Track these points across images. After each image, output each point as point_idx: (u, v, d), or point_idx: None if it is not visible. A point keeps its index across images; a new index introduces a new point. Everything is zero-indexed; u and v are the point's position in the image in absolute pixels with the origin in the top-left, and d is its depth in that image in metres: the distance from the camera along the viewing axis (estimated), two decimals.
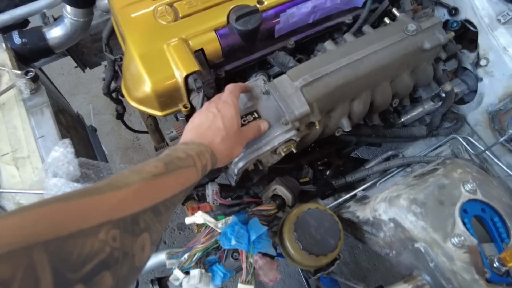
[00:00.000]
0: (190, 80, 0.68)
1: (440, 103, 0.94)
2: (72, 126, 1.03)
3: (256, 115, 0.63)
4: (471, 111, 0.96)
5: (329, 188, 0.88)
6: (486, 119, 0.92)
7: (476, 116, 0.95)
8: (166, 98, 0.72)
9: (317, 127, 0.68)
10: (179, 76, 0.69)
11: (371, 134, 1.00)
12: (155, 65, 0.71)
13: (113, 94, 1.16)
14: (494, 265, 0.52)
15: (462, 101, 0.99)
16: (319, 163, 1.10)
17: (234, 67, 0.79)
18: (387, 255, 0.63)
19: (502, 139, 0.86)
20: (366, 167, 0.91)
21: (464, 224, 0.56)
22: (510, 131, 0.86)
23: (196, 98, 0.71)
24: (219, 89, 0.80)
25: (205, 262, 0.62)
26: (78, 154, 0.81)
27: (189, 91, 0.73)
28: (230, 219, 0.59)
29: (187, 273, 0.60)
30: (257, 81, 0.67)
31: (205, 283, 0.60)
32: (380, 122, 1.03)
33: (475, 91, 0.94)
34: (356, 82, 0.68)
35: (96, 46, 1.27)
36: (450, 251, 0.53)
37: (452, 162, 0.63)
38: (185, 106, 0.73)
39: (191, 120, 0.59)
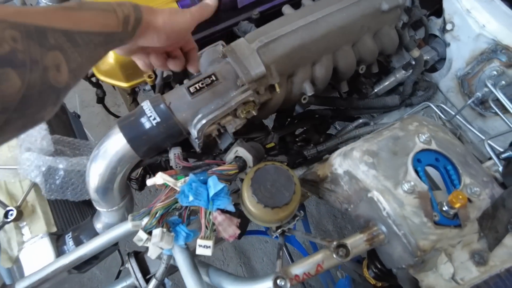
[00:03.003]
0: None
1: (411, 71, 0.95)
2: None
3: (214, 78, 0.65)
4: (442, 78, 0.96)
5: (300, 156, 0.89)
6: (457, 84, 0.93)
7: (447, 83, 0.96)
8: (130, 68, 0.73)
9: (277, 90, 0.69)
10: None
11: (346, 106, 1.01)
12: None
13: (93, 79, 1.18)
14: (444, 208, 0.53)
15: (434, 69, 1.00)
16: (297, 139, 1.12)
17: (199, 38, 0.80)
18: (347, 210, 0.64)
19: (469, 101, 0.86)
20: (337, 136, 0.91)
21: (417, 172, 0.56)
22: (477, 94, 0.86)
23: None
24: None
25: (169, 223, 0.63)
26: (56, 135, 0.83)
27: None
28: (188, 178, 0.60)
29: (150, 233, 0.62)
30: (216, 47, 0.69)
31: (167, 242, 0.61)
32: (355, 94, 1.04)
33: (445, 58, 0.95)
34: (314, 44, 0.69)
35: None
36: (401, 197, 0.54)
37: (410, 117, 0.64)
38: (149, 76, 0.75)
39: None
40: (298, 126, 1.04)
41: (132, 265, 0.83)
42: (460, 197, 0.50)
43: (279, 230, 0.64)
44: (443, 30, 0.90)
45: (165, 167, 0.75)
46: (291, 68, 0.71)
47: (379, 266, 0.74)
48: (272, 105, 0.74)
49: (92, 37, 0.42)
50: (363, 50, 0.79)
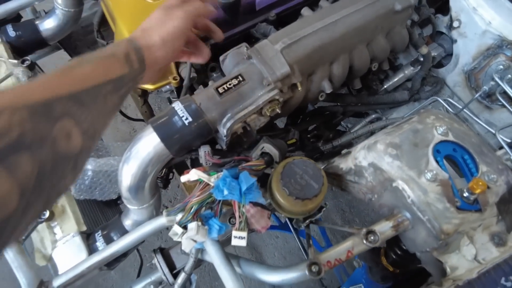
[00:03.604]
0: None
1: (419, 67, 0.99)
2: None
3: (241, 79, 0.68)
4: (449, 73, 1.00)
5: (316, 152, 0.92)
6: (463, 79, 0.97)
7: (454, 78, 1.00)
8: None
9: (299, 89, 0.72)
10: None
11: (357, 102, 1.05)
12: None
13: None
14: (464, 194, 0.57)
15: (440, 64, 1.04)
16: (309, 135, 1.15)
17: None
18: (370, 200, 0.68)
19: (477, 95, 0.90)
20: (352, 131, 0.95)
21: (437, 162, 0.60)
22: (484, 87, 0.90)
23: (185, 69, 0.75)
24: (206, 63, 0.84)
25: (202, 217, 0.66)
26: None
27: (177, 64, 0.77)
28: (222, 173, 0.63)
29: (185, 227, 0.65)
30: (240, 48, 0.72)
31: (202, 235, 0.64)
32: (364, 91, 1.08)
33: (452, 54, 0.99)
34: (333, 44, 0.73)
35: (89, 39, 1.32)
36: (424, 185, 0.58)
37: (426, 111, 0.68)
38: (174, 78, 0.78)
39: None
40: (311, 123, 1.07)
41: (159, 261, 0.86)
42: (480, 183, 0.54)
43: (307, 221, 0.68)
44: (450, 27, 0.94)
45: (187, 166, 0.78)
46: (311, 68, 0.74)
47: (398, 252, 0.78)
48: (293, 103, 0.78)
49: (99, 90, 0.42)
50: (377, 49, 0.83)
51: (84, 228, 0.81)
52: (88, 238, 0.82)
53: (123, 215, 0.83)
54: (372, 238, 0.58)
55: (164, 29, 0.57)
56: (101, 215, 0.90)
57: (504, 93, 0.86)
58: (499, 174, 0.60)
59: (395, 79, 1.04)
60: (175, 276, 0.83)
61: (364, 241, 0.58)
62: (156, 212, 0.82)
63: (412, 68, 1.01)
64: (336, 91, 0.87)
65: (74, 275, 0.72)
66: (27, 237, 0.76)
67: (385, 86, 1.04)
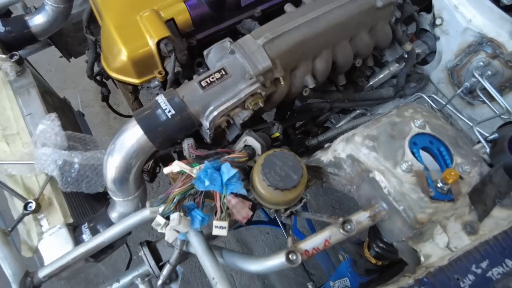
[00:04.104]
0: (162, 45, 0.74)
1: (404, 63, 1.01)
2: (59, 107, 1.08)
3: (224, 72, 0.69)
4: (433, 70, 1.02)
5: (301, 146, 0.94)
6: (447, 75, 0.99)
7: (438, 74, 1.02)
8: (141, 65, 0.77)
9: (282, 83, 0.74)
10: (152, 43, 0.75)
11: (343, 98, 1.06)
12: (130, 35, 0.76)
13: (98, 78, 1.21)
14: (438, 185, 0.58)
15: (425, 61, 1.06)
16: (297, 132, 1.17)
17: (205, 35, 0.85)
18: (350, 192, 0.69)
19: (459, 91, 0.92)
20: (336, 126, 0.97)
21: (413, 153, 0.62)
22: (466, 84, 0.92)
23: (170, 64, 0.77)
24: (192, 57, 0.86)
25: (184, 208, 0.67)
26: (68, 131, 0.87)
27: (162, 58, 0.78)
28: (204, 165, 0.64)
29: (168, 218, 0.66)
30: (224, 43, 0.73)
31: (184, 225, 0.66)
32: (351, 87, 1.10)
33: (436, 51, 1.01)
34: (315, 39, 0.74)
35: (80, 35, 1.32)
36: (400, 175, 0.59)
37: (405, 105, 0.69)
38: (159, 73, 0.79)
39: None
40: (298, 119, 1.09)
41: (145, 253, 0.87)
42: (453, 173, 0.56)
43: (288, 212, 0.69)
44: (433, 24, 0.96)
45: (173, 159, 0.79)
46: (294, 62, 0.76)
47: (380, 245, 0.80)
48: (276, 98, 0.79)
49: None
50: (360, 45, 0.84)
51: (71, 221, 0.81)
52: (74, 230, 0.83)
53: (109, 208, 0.84)
54: (348, 227, 0.59)
55: None
56: (89, 208, 0.91)
57: (484, 89, 0.87)
58: (473, 165, 0.62)
59: (381, 76, 1.05)
60: (161, 268, 0.84)
61: (341, 230, 0.59)
62: (142, 204, 0.83)
63: (397, 64, 1.03)
64: (319, 86, 0.89)
65: (59, 266, 0.73)
66: (13, 229, 0.77)
67: (371, 83, 1.06)
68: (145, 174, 0.90)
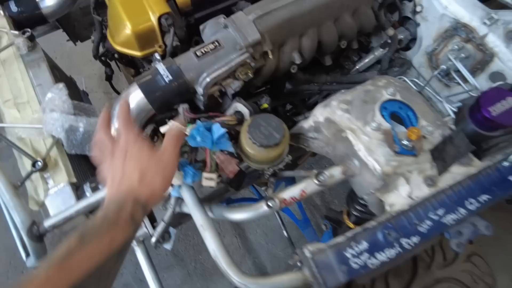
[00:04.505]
0: (163, 20, 0.82)
1: (387, 48, 1.08)
2: (66, 82, 1.16)
3: (217, 44, 0.77)
4: (415, 55, 1.10)
5: (290, 121, 1.01)
6: (426, 60, 1.06)
7: (418, 59, 1.09)
8: (144, 38, 0.85)
9: (270, 56, 0.81)
10: (153, 18, 0.83)
11: (331, 81, 1.14)
12: (133, 10, 0.84)
13: (102, 58, 1.29)
14: (403, 142, 0.65)
15: (408, 48, 1.13)
16: (288, 114, 1.24)
17: (202, 15, 0.92)
18: (327, 154, 0.76)
19: (435, 73, 1.00)
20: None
21: (383, 116, 0.69)
22: (442, 66, 1.00)
23: (169, 38, 0.84)
24: (190, 35, 0.93)
25: (179, 164, 0.75)
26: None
27: (163, 33, 0.86)
28: (196, 124, 0.72)
29: None
30: (218, 19, 0.81)
31: (178, 178, 0.73)
32: (338, 71, 1.17)
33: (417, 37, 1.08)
34: (301, 17, 0.82)
35: (86, 20, 1.40)
36: (369, 133, 0.66)
37: (380, 76, 0.77)
38: (160, 46, 0.87)
39: (107, 177, 0.58)
40: (288, 99, 1.16)
41: None
42: (415, 131, 0.63)
43: (271, 170, 0.76)
44: (414, 12, 1.04)
45: None
46: (281, 38, 0.83)
47: (358, 208, 0.87)
48: (266, 71, 0.86)
49: (102, 269, 0.42)
50: (344, 26, 0.92)
51: (74, 180, 0.89)
52: (77, 190, 0.90)
53: None
54: (321, 178, 0.67)
55: (162, 176, 0.57)
56: (92, 172, 0.98)
57: (458, 71, 0.95)
58: (436, 128, 0.69)
59: (366, 60, 1.13)
60: (156, 228, 0.92)
61: (315, 181, 0.67)
62: None
63: (381, 49, 1.10)
64: (308, 69, 0.96)
65: (63, 217, 0.80)
66: (22, 184, 0.84)
67: (357, 67, 1.14)
68: None
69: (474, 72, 0.96)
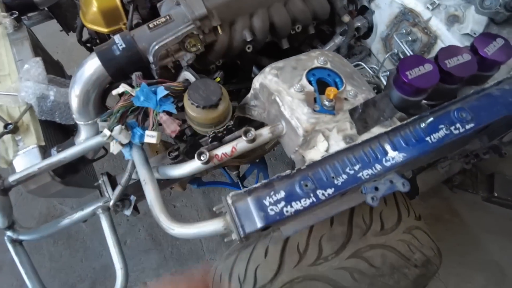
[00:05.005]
0: None
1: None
2: (49, 63, 1.26)
3: (168, 18, 0.85)
4: (373, 42, 1.15)
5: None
6: (382, 45, 1.12)
7: (376, 46, 1.15)
8: (109, 15, 0.94)
9: (219, 32, 0.89)
10: None
11: None
12: None
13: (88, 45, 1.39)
14: (324, 102, 0.71)
15: (368, 36, 1.19)
16: None
17: None
18: (264, 119, 0.82)
19: (387, 55, 1.05)
20: None
21: (310, 81, 0.75)
22: (394, 49, 1.05)
23: (129, 15, 0.93)
24: (155, 15, 1.02)
25: (128, 126, 0.82)
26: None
27: (126, 12, 0.95)
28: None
29: (112, 131, 0.80)
30: None
31: (125, 136, 0.80)
32: None
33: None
34: None
35: (76, 11, 1.52)
36: (292, 94, 0.72)
37: (316, 50, 0.83)
38: (124, 24, 0.95)
39: None
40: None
41: (103, 180, 1.01)
42: (332, 90, 0.68)
43: (212, 133, 0.82)
44: (369, 0, 1.10)
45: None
46: (231, 16, 0.90)
47: None
48: (218, 47, 0.94)
49: None
50: (294, 9, 0.98)
51: (43, 144, 0.97)
52: (45, 153, 0.98)
53: (75, 136, 0.99)
54: (249, 135, 0.72)
55: None
56: (60, 138, 1.07)
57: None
58: (360, 92, 0.74)
59: (327, 47, 1.19)
60: None
61: (244, 138, 0.72)
62: None
63: (340, 37, 1.16)
64: (261, 44, 1.02)
65: (26, 173, 0.88)
66: None
67: None
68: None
69: (422, 54, 1.01)
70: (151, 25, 0.84)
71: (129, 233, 1.74)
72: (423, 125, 0.70)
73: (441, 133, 0.69)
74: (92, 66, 0.84)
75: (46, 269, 1.65)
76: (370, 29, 1.18)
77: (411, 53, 0.97)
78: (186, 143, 1.00)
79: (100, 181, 1.02)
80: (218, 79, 0.96)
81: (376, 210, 0.89)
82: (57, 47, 2.26)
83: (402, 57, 1.01)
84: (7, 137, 0.95)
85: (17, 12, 1.13)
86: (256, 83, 0.80)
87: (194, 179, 1.42)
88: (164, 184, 1.16)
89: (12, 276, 1.60)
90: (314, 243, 0.82)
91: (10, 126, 0.94)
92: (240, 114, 0.92)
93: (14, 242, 0.98)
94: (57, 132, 1.06)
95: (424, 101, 0.80)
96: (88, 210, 1.03)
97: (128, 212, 1.04)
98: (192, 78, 0.85)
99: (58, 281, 1.60)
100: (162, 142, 1.25)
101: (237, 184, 1.47)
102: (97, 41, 1.28)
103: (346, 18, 1.09)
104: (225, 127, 0.83)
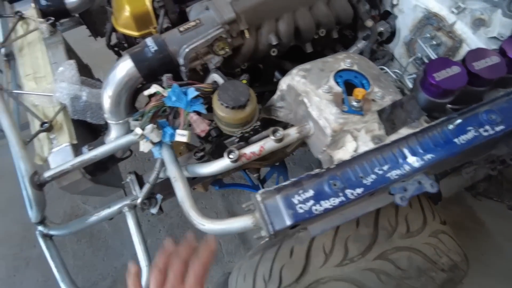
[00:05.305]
0: (155, 3, 0.95)
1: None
2: (80, 66, 1.31)
3: (198, 21, 0.88)
4: (396, 47, 1.16)
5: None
6: (405, 50, 1.12)
7: (399, 50, 1.15)
8: (140, 20, 0.98)
9: (247, 35, 0.91)
10: (148, 2, 0.96)
11: None
12: None
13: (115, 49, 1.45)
14: (352, 103, 0.72)
15: (390, 40, 1.20)
16: None
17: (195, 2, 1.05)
18: (291, 120, 0.83)
19: (411, 59, 1.05)
20: None
21: (337, 82, 0.76)
22: (418, 54, 1.05)
23: (160, 19, 0.97)
24: (184, 20, 1.06)
25: (159, 125, 0.85)
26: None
27: (157, 16, 0.99)
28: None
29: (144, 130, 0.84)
30: (202, 2, 0.93)
31: (156, 135, 0.83)
32: None
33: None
34: (275, 2, 0.92)
35: (105, 18, 1.59)
36: (320, 95, 0.73)
37: (342, 52, 0.84)
38: (154, 28, 0.99)
39: None
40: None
41: (131, 179, 1.05)
42: (361, 91, 0.70)
43: (240, 133, 0.84)
44: (392, 5, 1.11)
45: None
46: (258, 20, 0.93)
47: None
48: (245, 50, 0.96)
49: None
50: (319, 14, 1.00)
51: (75, 142, 1.01)
52: (77, 151, 1.02)
53: (105, 135, 1.03)
54: (277, 134, 0.74)
55: None
56: (91, 137, 1.11)
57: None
58: (387, 94, 0.75)
59: (350, 51, 1.20)
60: None
61: (272, 137, 0.74)
62: None
63: (363, 41, 1.18)
64: (286, 48, 1.04)
65: (60, 170, 0.92)
66: (31, 140, 0.98)
67: None
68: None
69: None
70: (181, 29, 0.88)
71: (150, 233, 1.78)
72: (451, 126, 0.70)
73: (470, 135, 0.69)
74: (124, 67, 0.88)
75: (70, 266, 1.67)
76: (392, 34, 1.18)
77: (436, 57, 0.97)
78: (212, 144, 1.02)
79: (128, 179, 1.06)
80: (244, 81, 0.98)
81: (402, 212, 0.89)
82: (82, 52, 2.34)
83: (426, 61, 1.01)
84: (43, 135, 1.00)
85: (52, 19, 1.19)
86: (283, 84, 0.82)
87: (216, 180, 1.44)
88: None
89: (38, 272, 1.65)
90: (340, 244, 0.83)
91: (46, 124, 0.99)
92: (266, 115, 0.94)
93: (45, 236, 1.01)
94: (87, 131, 1.11)
95: (448, 106, 0.80)
96: (115, 208, 1.06)
97: (154, 210, 1.06)
98: (220, 80, 0.88)
99: (82, 278, 1.64)
100: (186, 144, 1.29)
101: (257, 187, 1.48)
102: (125, 45, 1.33)
103: (369, 23, 1.10)
104: (252, 127, 0.85)
